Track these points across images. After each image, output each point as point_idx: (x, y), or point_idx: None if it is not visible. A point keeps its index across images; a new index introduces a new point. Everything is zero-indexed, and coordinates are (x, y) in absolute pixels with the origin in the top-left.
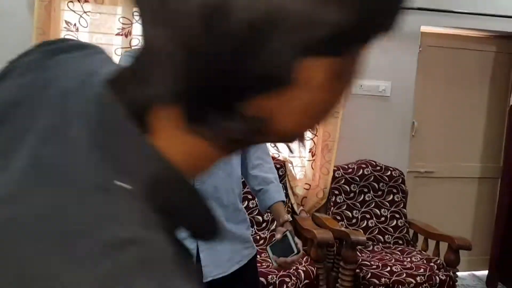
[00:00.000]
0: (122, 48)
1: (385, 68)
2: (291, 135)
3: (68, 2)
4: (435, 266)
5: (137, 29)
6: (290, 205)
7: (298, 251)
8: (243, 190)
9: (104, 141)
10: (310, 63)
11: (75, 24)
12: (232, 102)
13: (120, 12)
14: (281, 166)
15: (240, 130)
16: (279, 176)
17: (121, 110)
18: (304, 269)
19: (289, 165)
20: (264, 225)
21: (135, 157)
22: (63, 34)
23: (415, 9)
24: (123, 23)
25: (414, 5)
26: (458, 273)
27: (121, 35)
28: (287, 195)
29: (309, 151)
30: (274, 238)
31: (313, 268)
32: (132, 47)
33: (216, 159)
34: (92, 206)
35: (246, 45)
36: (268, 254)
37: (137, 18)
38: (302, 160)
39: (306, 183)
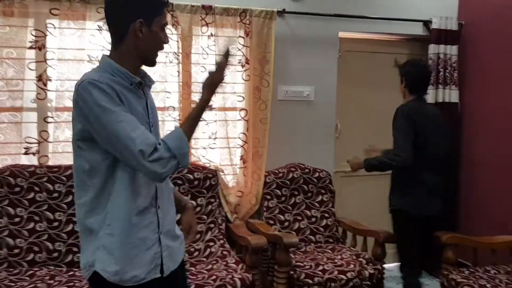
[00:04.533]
0: (36, 62)
1: (308, 73)
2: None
3: None
4: (364, 261)
5: (51, 41)
6: (224, 213)
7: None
8: None
9: None
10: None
11: None
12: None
13: (32, 24)
14: (213, 175)
15: None
16: (212, 185)
17: None
18: (240, 276)
19: (221, 173)
20: (198, 236)
21: None
22: None
23: (333, 16)
24: (35, 36)
25: (332, 12)
26: (386, 265)
27: (34, 48)
28: (220, 204)
29: (240, 159)
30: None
31: (248, 275)
32: (47, 61)
33: None
34: None
35: None
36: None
37: (51, 30)
38: (233, 168)
39: (239, 191)
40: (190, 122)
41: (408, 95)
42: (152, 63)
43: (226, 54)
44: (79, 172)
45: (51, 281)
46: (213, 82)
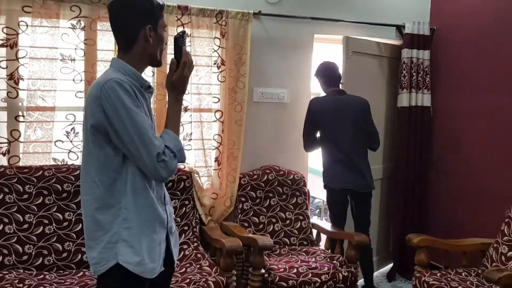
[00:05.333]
0: (7, 60)
1: (283, 75)
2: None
3: None
4: (338, 263)
5: (23, 39)
6: (198, 216)
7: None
8: None
9: None
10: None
11: None
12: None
13: (3, 21)
14: (187, 177)
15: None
16: (186, 187)
17: None
18: (214, 279)
19: (196, 175)
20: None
21: None
22: None
23: (308, 19)
24: (7, 34)
25: (307, 15)
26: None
27: (6, 46)
28: (194, 207)
29: (215, 160)
30: None
31: (222, 278)
32: (19, 59)
33: None
34: None
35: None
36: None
37: (23, 28)
38: (208, 170)
39: (213, 193)
40: (175, 124)
41: (327, 89)
42: (159, 63)
43: (179, 47)
44: (89, 168)
45: (20, 285)
46: (177, 81)
